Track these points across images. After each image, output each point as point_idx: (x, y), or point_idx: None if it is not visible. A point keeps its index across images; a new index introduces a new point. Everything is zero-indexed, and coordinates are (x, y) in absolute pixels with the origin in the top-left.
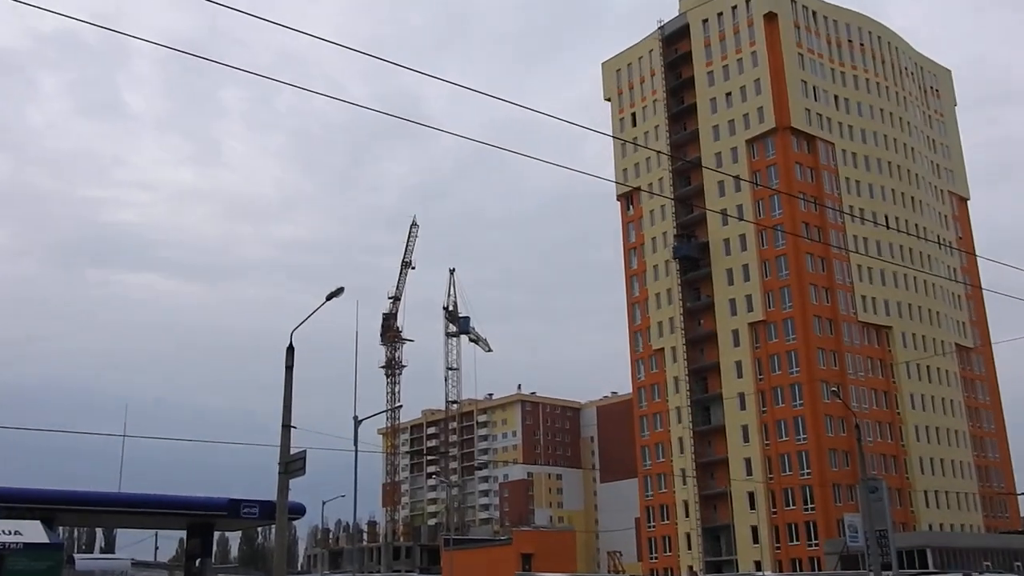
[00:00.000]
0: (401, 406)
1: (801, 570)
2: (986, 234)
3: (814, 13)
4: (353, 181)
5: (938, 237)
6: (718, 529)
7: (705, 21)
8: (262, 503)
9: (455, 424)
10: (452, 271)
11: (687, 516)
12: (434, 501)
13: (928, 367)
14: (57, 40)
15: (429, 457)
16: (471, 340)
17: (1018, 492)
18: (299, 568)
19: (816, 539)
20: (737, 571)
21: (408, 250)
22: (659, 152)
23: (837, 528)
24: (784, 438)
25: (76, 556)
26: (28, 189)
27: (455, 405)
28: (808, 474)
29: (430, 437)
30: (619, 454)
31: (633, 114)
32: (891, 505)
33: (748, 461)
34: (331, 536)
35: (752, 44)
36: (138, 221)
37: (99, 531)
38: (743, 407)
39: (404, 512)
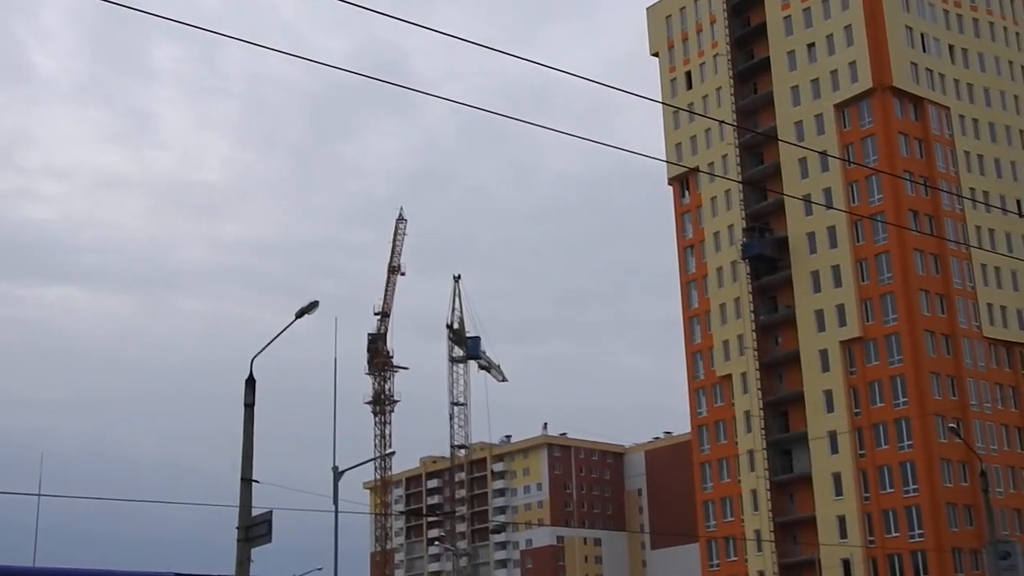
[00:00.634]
0: (393, 453)
1: None
2: None
3: None
4: (324, 163)
5: None
6: None
7: None
8: None
9: (463, 475)
10: (457, 278)
11: None
12: (437, 574)
13: None
14: None
15: (430, 518)
16: (481, 367)
17: None
18: None
19: None
20: None
21: (395, 251)
22: (722, 122)
23: None
24: (888, 490)
25: None
26: None
27: (463, 451)
28: (920, 536)
29: (431, 492)
30: (674, 512)
31: (688, 73)
32: None
33: (842, 520)
34: None
35: None
36: (49, 218)
37: None
38: (835, 450)
39: None
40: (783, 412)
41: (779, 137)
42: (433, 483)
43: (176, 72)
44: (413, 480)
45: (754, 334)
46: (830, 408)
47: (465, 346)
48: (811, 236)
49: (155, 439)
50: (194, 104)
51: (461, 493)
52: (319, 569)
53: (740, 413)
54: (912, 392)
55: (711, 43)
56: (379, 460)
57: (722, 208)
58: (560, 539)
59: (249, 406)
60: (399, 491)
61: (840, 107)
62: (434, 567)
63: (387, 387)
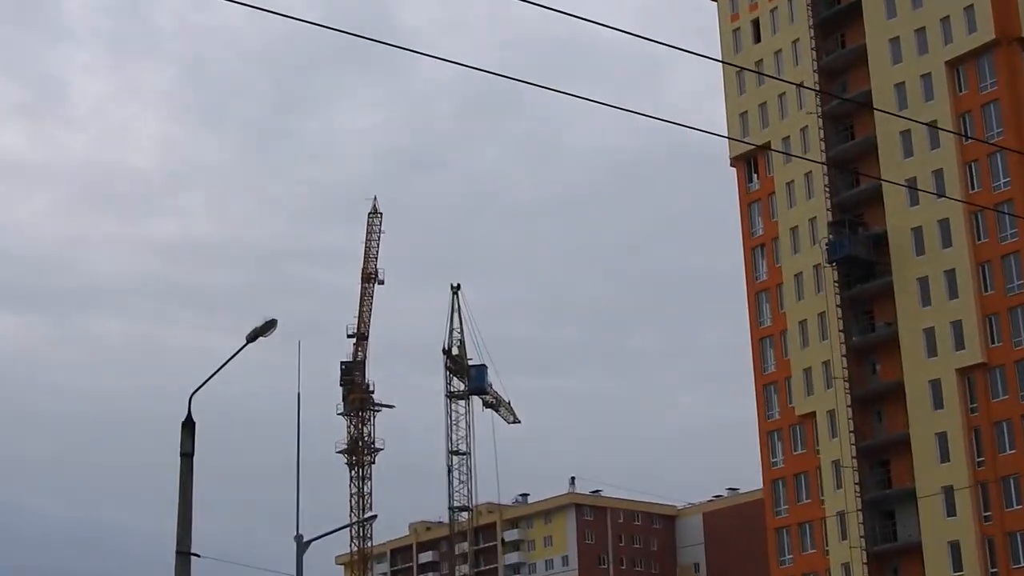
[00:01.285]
0: (375, 517)
1: None
2: None
3: None
4: (284, 143)
5: None
6: None
7: None
8: None
9: (466, 546)
10: (456, 289)
11: None
12: None
13: None
14: None
15: None
16: (488, 405)
17: None
18: None
19: None
20: None
21: (370, 254)
22: (800, 85)
23: None
24: (1022, 563)
25: None
26: None
27: (464, 514)
28: None
29: (424, 568)
30: None
31: (755, 22)
32: None
33: None
34: None
35: None
36: None
37: None
38: (951, 512)
39: None
40: (883, 462)
41: (874, 105)
42: (426, 556)
43: (94, 28)
44: (400, 553)
45: (844, 360)
46: (944, 456)
47: (467, 378)
48: (917, 232)
49: (65, 500)
50: (117, 68)
51: (463, 569)
52: None
53: (827, 463)
54: None
55: None
56: (356, 527)
57: (801, 196)
58: None
59: (187, 456)
60: (382, 567)
61: (953, 65)
62: None
63: (366, 431)
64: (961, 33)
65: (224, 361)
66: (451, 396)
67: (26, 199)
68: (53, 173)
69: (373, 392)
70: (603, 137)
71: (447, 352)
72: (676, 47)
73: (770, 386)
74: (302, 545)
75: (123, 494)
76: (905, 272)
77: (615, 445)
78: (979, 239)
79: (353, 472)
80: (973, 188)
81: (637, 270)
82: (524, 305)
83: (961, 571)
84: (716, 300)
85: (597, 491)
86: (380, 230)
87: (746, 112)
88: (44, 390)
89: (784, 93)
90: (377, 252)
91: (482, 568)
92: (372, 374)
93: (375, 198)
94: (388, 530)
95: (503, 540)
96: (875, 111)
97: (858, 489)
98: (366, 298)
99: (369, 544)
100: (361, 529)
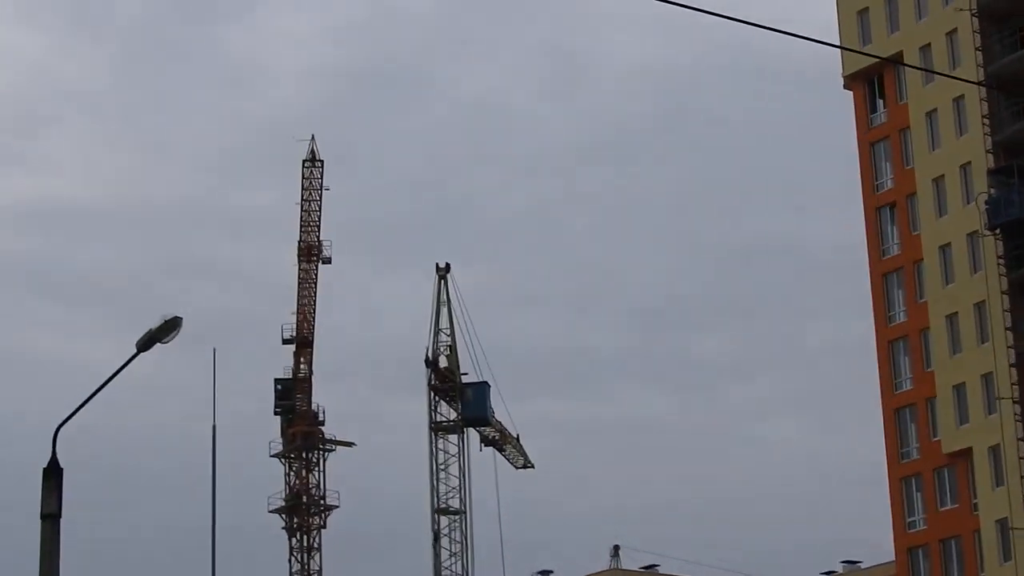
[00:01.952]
0: None
1: None
2: None
3: None
4: (188, 61)
5: None
6: None
7: None
8: None
9: None
10: (443, 272)
11: None
12: None
13: None
14: None
15: None
16: (488, 441)
17: None
18: None
19: None
20: None
21: (308, 221)
22: None
23: None
24: None
25: None
26: None
27: None
28: None
29: None
30: None
31: None
32: None
33: None
34: None
35: None
36: None
37: None
38: None
39: None
40: None
41: None
42: None
43: None
44: None
45: (1013, 372)
46: None
47: (461, 401)
48: None
49: None
50: None
51: None
52: None
53: (989, 524)
54: None
55: None
56: None
57: (948, 133)
58: None
59: (51, 518)
60: None
61: None
62: None
63: (313, 481)
64: None
65: (105, 379)
66: (437, 428)
67: None
68: None
69: (323, 423)
70: (650, 52)
71: (431, 363)
72: None
73: (904, 411)
74: None
75: None
76: None
77: (674, 497)
78: None
79: (294, 540)
80: None
81: (702, 245)
82: (541, 296)
83: None
84: (820, 287)
85: (652, 567)
86: (322, 186)
87: (866, 10)
88: None
89: None
90: (319, 217)
91: None
92: (321, 396)
93: (312, 139)
94: None
95: None
96: None
97: None
98: (307, 285)
99: None
100: None
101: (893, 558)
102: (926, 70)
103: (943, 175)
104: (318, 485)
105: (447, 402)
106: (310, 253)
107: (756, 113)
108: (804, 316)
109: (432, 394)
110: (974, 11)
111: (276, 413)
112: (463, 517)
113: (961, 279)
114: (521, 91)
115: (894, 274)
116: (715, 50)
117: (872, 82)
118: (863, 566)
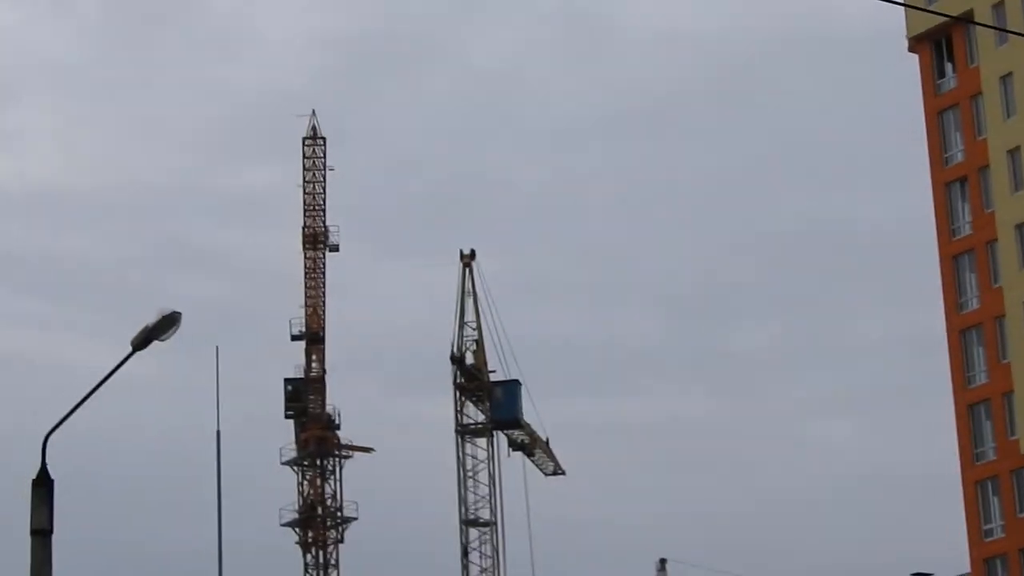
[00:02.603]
0: None
1: None
2: None
3: None
4: (174, 29)
5: None
6: None
7: None
8: None
9: None
10: (468, 259)
11: None
12: None
13: None
14: None
15: None
16: (515, 445)
17: None
18: None
19: None
20: None
21: (313, 204)
22: None
23: None
24: None
25: None
26: None
27: None
28: None
29: None
30: None
31: None
32: None
33: None
34: None
35: None
36: None
37: None
38: None
39: None
40: None
41: None
42: None
43: None
44: None
45: None
46: None
47: (490, 402)
48: None
49: None
50: None
51: None
52: None
53: None
54: None
55: None
56: None
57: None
58: None
59: (41, 534)
60: None
61: None
62: None
63: (329, 491)
64: None
65: (96, 384)
66: (464, 431)
67: None
68: None
69: (339, 427)
70: (687, 16)
71: (457, 360)
72: None
73: (978, 408)
74: None
75: None
76: None
77: (722, 506)
78: None
79: (309, 556)
80: None
81: (747, 227)
82: (571, 285)
83: None
84: (881, 271)
85: None
86: (326, 166)
87: None
88: None
89: None
90: (324, 200)
91: None
92: (336, 398)
93: (313, 113)
94: None
95: None
96: None
97: None
98: (315, 275)
99: None
100: None
101: (968, 570)
102: (1000, 29)
103: (1019, 146)
104: (334, 495)
105: (474, 402)
106: (316, 240)
107: (804, 81)
108: (860, 306)
109: (457, 394)
110: None
111: (287, 416)
112: (494, 529)
113: None
114: (543, 59)
115: (965, 256)
116: (753, 11)
117: (939, 44)
118: None
